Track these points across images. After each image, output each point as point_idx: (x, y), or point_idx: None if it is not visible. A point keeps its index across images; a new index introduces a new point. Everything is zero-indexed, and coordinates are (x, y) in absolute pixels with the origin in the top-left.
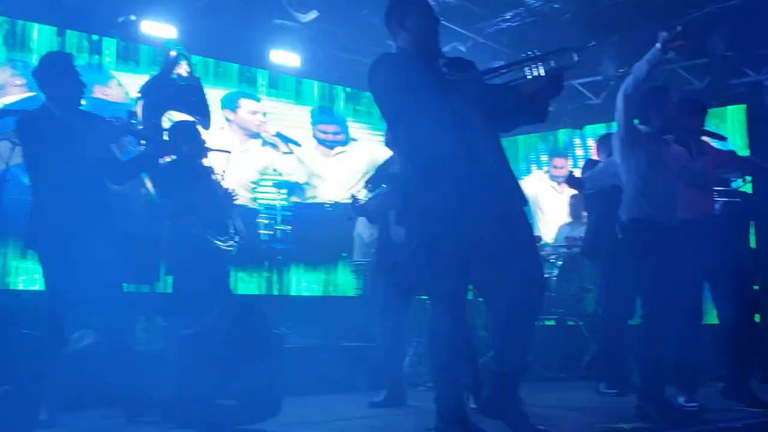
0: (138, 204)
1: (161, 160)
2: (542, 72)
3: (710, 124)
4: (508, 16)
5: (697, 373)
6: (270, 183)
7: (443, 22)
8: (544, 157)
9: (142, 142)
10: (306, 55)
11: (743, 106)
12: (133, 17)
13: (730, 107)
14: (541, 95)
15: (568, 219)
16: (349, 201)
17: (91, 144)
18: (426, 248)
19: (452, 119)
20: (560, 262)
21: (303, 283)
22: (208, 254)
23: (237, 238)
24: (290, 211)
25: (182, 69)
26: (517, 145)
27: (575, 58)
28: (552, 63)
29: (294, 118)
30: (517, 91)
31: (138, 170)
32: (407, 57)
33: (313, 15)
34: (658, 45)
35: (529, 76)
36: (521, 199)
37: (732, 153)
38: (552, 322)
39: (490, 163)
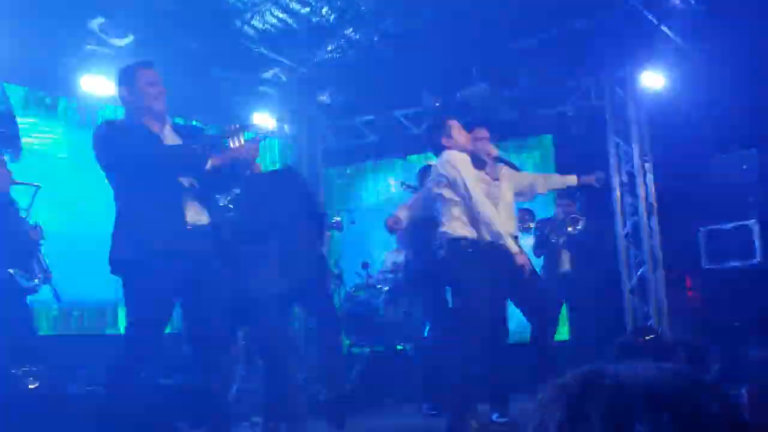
0: None
1: None
2: (242, 141)
3: (520, 153)
4: (329, 47)
5: (508, 389)
6: None
7: (264, 51)
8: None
9: None
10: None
11: (550, 136)
12: None
13: (538, 137)
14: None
15: (394, 245)
16: None
17: None
18: (132, 295)
19: (162, 183)
20: (386, 288)
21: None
22: (10, 292)
23: (41, 276)
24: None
25: None
26: (362, 169)
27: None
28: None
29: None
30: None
31: None
32: (129, 124)
33: (128, 39)
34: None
35: (232, 145)
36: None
37: (526, 174)
38: (381, 348)
39: (194, 218)
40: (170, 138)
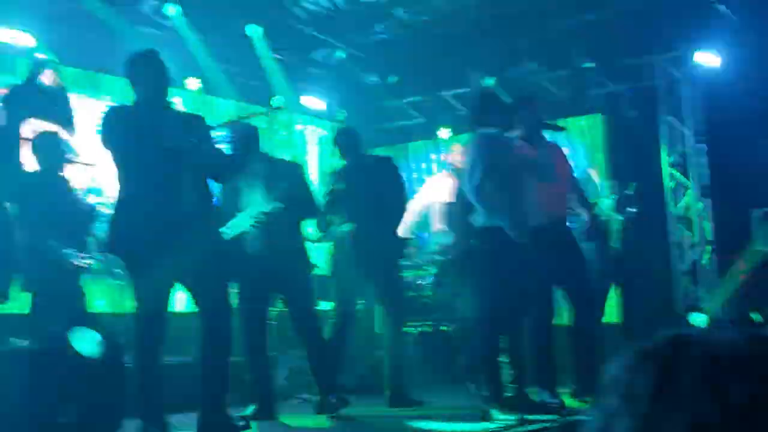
0: None
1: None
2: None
3: (571, 133)
4: (379, 28)
5: (556, 370)
6: None
7: (314, 32)
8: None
9: None
10: (174, 63)
11: (601, 116)
12: None
13: (589, 116)
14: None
15: (441, 226)
16: None
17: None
18: (132, 276)
19: (162, 167)
20: (434, 269)
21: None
22: (65, 270)
23: (96, 254)
24: None
25: (47, 77)
26: (408, 150)
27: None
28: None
29: None
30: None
31: None
32: (131, 110)
33: (182, 21)
34: None
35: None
36: (209, 237)
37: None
38: (428, 328)
39: (189, 206)
40: (172, 125)
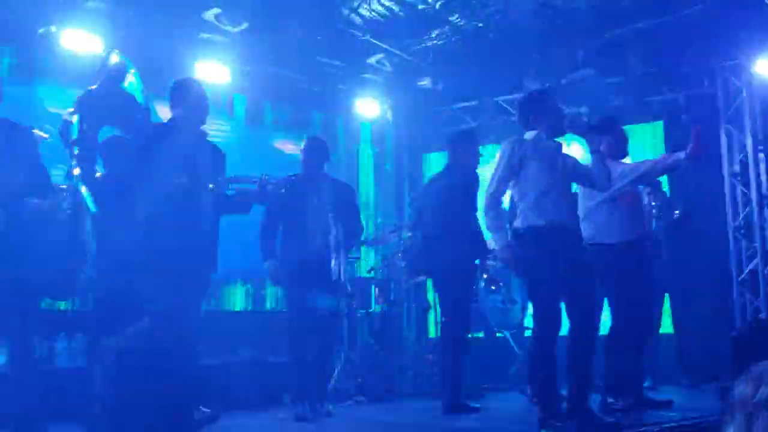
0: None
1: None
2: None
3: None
4: (433, 34)
5: (624, 377)
6: None
7: (370, 38)
8: None
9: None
10: (235, 69)
11: (660, 123)
12: (53, 28)
13: (647, 124)
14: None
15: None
16: None
17: None
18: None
19: (185, 189)
20: (485, 275)
21: (231, 296)
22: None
23: None
24: None
25: (131, 81)
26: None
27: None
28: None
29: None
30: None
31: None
32: (170, 128)
33: (243, 26)
34: None
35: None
36: (213, 264)
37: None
38: (480, 334)
39: (208, 226)
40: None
